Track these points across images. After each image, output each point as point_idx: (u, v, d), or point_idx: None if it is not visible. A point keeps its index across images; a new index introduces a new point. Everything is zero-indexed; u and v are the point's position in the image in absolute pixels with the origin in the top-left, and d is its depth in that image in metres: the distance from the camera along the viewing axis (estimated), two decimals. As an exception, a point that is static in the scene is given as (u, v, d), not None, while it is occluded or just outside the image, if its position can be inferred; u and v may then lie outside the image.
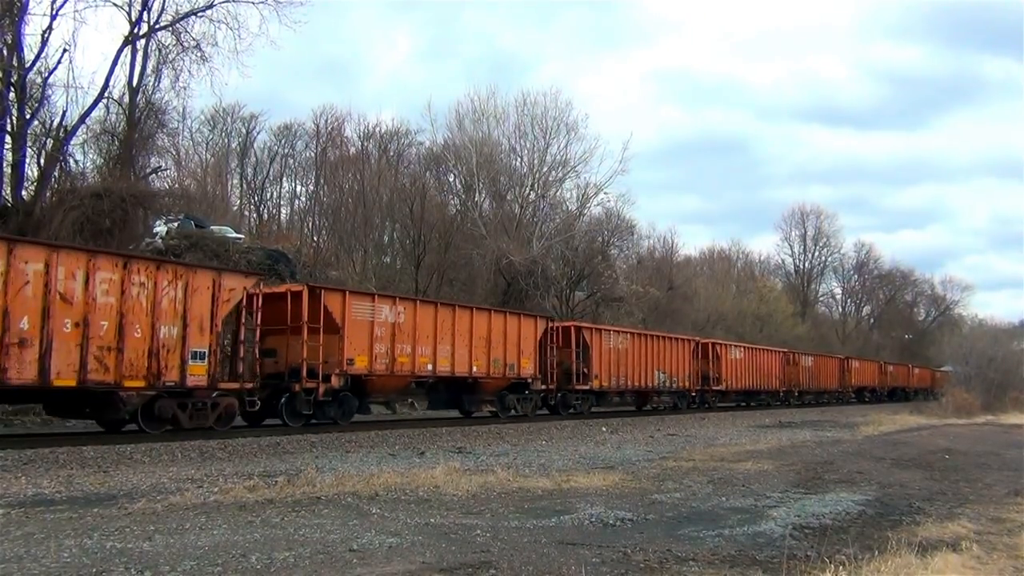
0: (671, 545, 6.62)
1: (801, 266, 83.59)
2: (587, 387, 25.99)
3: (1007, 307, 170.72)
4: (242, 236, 30.12)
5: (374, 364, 18.60)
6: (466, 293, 36.03)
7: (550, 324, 25.15)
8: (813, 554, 6.28)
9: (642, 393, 30.39)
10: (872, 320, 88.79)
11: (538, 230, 42.22)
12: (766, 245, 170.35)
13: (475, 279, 39.33)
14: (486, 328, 21.83)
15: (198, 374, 15.02)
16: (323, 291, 18.06)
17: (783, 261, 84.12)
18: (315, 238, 44.00)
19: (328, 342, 17.53)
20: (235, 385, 16.01)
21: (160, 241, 25.25)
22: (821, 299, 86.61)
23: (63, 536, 6.43)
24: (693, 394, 33.05)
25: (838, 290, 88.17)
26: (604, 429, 21.51)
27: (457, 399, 22.28)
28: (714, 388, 34.21)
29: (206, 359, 15.15)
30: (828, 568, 5.55)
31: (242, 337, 16.07)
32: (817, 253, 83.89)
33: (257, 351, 16.75)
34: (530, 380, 23.56)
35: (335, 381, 17.69)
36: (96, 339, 13.54)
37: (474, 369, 21.35)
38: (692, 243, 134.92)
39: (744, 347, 38.44)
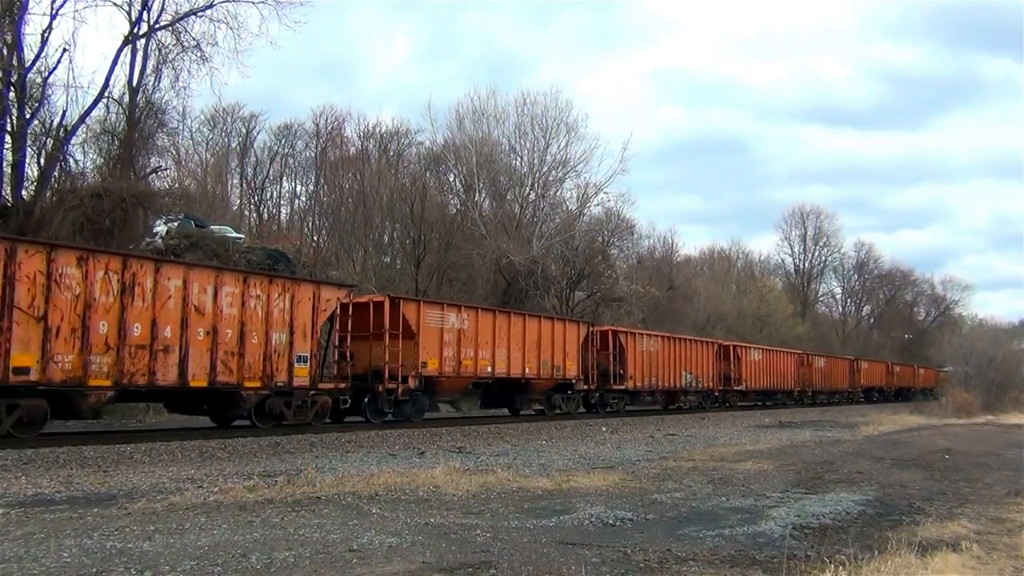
0: (671, 545, 6.62)
1: (801, 266, 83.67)
2: (623, 387, 27.83)
3: (1007, 307, 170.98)
4: (242, 236, 30.07)
5: (443, 367, 20.50)
6: (466, 293, 36.05)
7: (591, 329, 26.85)
8: (813, 554, 6.28)
9: (671, 393, 32.01)
10: (872, 320, 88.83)
11: (538, 230, 42.23)
12: (766, 245, 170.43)
13: (475, 279, 39.34)
14: (536, 333, 23.65)
15: (302, 375, 17.02)
16: (401, 301, 20.13)
17: (783, 261, 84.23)
18: (315, 238, 43.96)
19: (405, 347, 19.42)
20: (331, 385, 18.05)
21: (160, 241, 25.20)
22: (821, 299, 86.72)
23: (63, 536, 6.43)
24: (716, 394, 34.97)
25: (838, 290, 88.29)
26: (604, 429, 21.52)
27: (509, 398, 23.93)
28: (735, 388, 35.91)
29: (308, 362, 17.14)
30: (828, 568, 5.55)
31: (336, 342, 18.17)
32: (817, 253, 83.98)
33: (349, 355, 18.60)
34: (574, 381, 25.27)
35: (411, 382, 19.54)
36: (223, 345, 15.51)
37: (526, 371, 23.21)
38: (692, 243, 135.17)
39: (762, 349, 40.33)
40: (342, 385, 18.22)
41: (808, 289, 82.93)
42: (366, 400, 19.01)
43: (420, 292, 33.01)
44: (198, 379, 15.09)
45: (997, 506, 9.23)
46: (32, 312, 12.91)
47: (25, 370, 12.83)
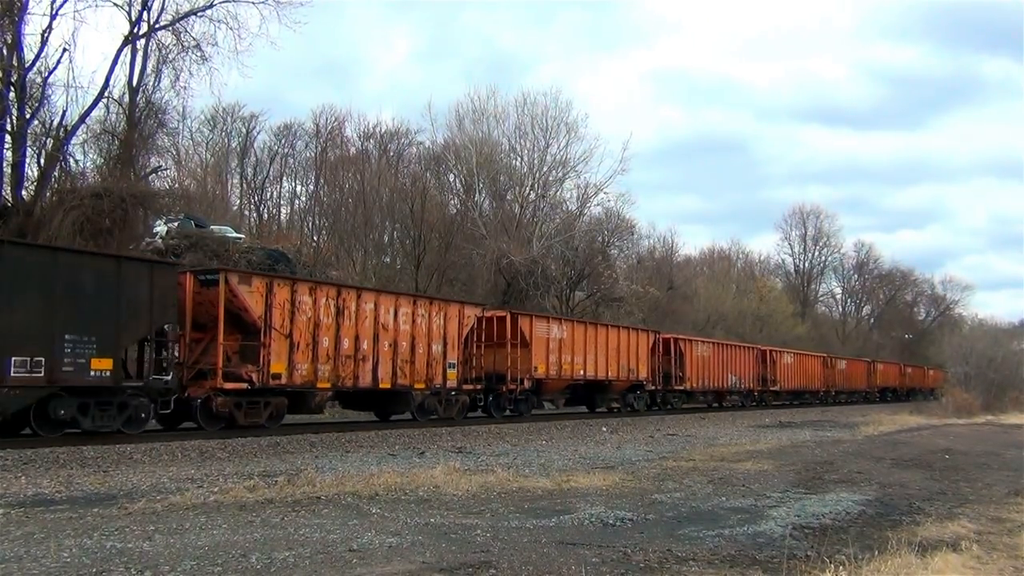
0: (671, 545, 6.62)
1: (801, 266, 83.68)
2: (682, 388, 31.67)
3: (1007, 307, 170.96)
4: (242, 236, 30.09)
5: (549, 371, 24.18)
6: (466, 293, 36.05)
7: (657, 336, 30.39)
8: (813, 554, 6.28)
9: (719, 393, 35.58)
10: (872, 320, 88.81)
11: (538, 230, 42.24)
12: (765, 245, 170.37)
13: (475, 279, 39.35)
14: (616, 341, 27.19)
15: (452, 379, 20.77)
16: (519, 316, 23.90)
17: (783, 261, 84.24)
18: (315, 238, 43.97)
19: (522, 354, 23.00)
20: (471, 387, 21.70)
21: (160, 241, 25.24)
22: (821, 299, 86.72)
23: (63, 536, 6.43)
24: (755, 393, 38.32)
25: (838, 290, 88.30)
26: (604, 429, 21.53)
27: (591, 398, 27.17)
28: (771, 388, 39.33)
29: (456, 368, 20.82)
30: (828, 568, 5.55)
31: (473, 351, 21.63)
32: (817, 253, 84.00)
33: (483, 361, 22.11)
34: (645, 382, 28.84)
35: (526, 383, 23.22)
36: (400, 355, 19.30)
37: (608, 374, 26.68)
38: (692, 243, 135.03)
39: (794, 353, 43.90)
40: (478, 387, 21.92)
41: (808, 289, 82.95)
42: (491, 398, 22.67)
43: (420, 292, 33.04)
44: (384, 382, 18.94)
45: (997, 506, 9.23)
46: (282, 331, 16.60)
47: (278, 376, 16.58)
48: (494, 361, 22.49)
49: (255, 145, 49.90)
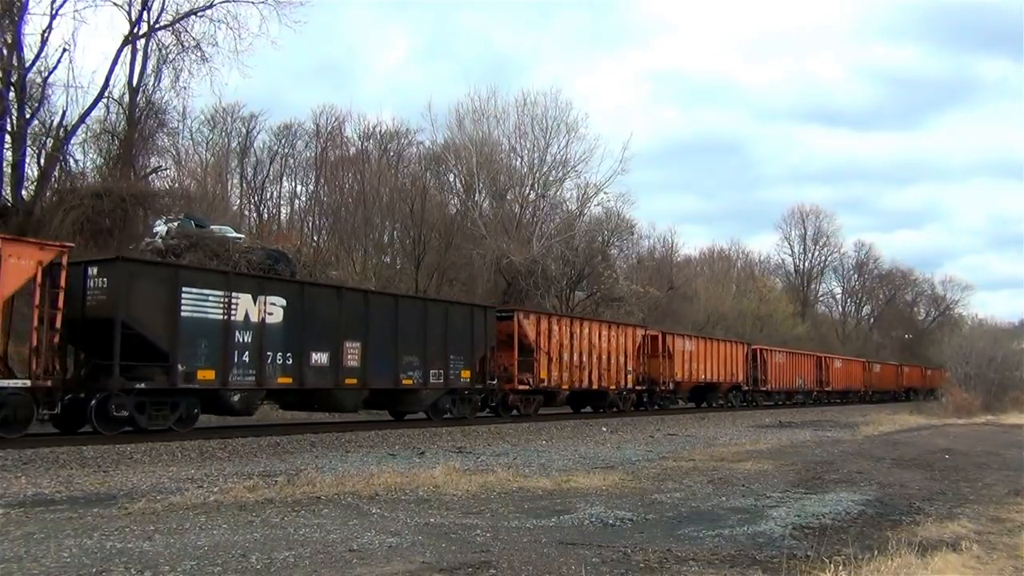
0: (671, 545, 6.62)
1: (801, 266, 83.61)
2: (765, 388, 39.26)
3: (1007, 307, 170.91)
4: (242, 236, 30.04)
5: (684, 376, 31.83)
6: (466, 293, 36.06)
7: (749, 347, 38.25)
8: (813, 554, 6.28)
9: (789, 392, 42.26)
10: (872, 320, 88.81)
11: (538, 230, 42.22)
12: (764, 245, 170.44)
13: (475, 279, 39.35)
14: (724, 351, 35.38)
15: (630, 382, 28.25)
16: (666, 334, 31.48)
17: (783, 261, 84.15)
18: (315, 238, 43.94)
19: (668, 363, 30.82)
20: (640, 387, 29.07)
21: (160, 241, 25.20)
22: (821, 299, 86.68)
23: (63, 536, 6.43)
24: (814, 394, 45.45)
25: (838, 290, 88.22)
26: (604, 429, 21.54)
27: (703, 396, 35.06)
28: (824, 389, 46.63)
29: (632, 373, 28.27)
30: (828, 568, 5.55)
31: (641, 361, 29.01)
32: (817, 253, 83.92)
33: (644, 369, 29.47)
34: (742, 383, 36.63)
35: (670, 385, 31.16)
36: (600, 364, 26.49)
37: (718, 377, 34.58)
38: (691, 243, 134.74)
39: (842, 359, 51.86)
40: (643, 387, 29.30)
41: (808, 289, 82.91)
42: (647, 396, 29.96)
43: (420, 292, 33.08)
44: (595, 385, 26.22)
45: (997, 506, 9.23)
46: (544, 350, 23.90)
47: (543, 380, 23.99)
48: (648, 368, 29.77)
49: (255, 145, 49.86)
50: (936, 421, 29.48)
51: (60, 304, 13.22)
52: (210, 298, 15.09)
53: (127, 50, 25.48)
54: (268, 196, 50.08)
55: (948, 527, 7.55)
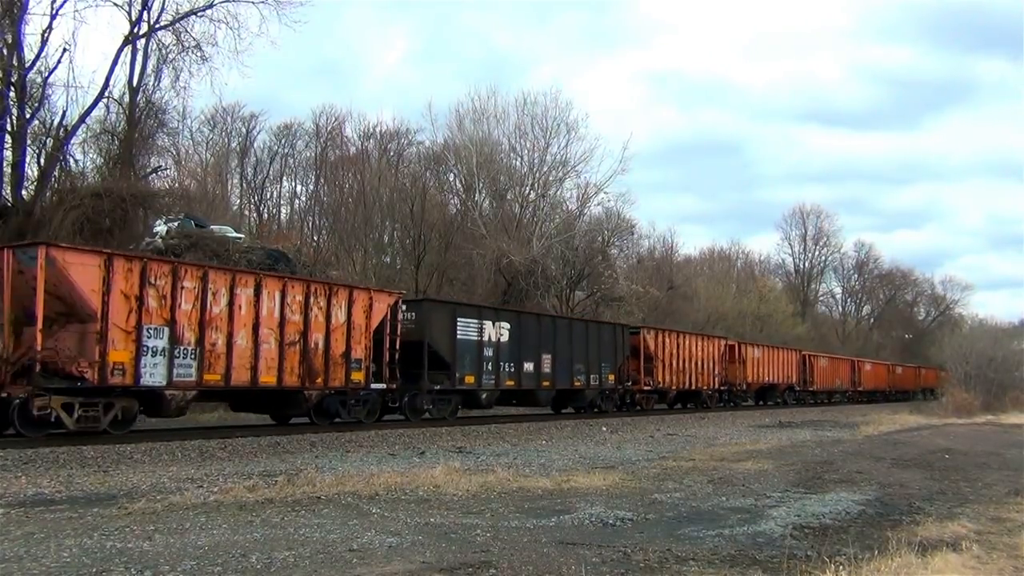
0: (671, 545, 6.62)
1: (801, 266, 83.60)
2: (812, 389, 44.42)
3: (1007, 307, 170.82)
4: (242, 236, 30.01)
5: (754, 378, 37.39)
6: (466, 293, 36.06)
7: (800, 352, 43.95)
8: (813, 554, 6.28)
9: (829, 392, 47.87)
10: (872, 320, 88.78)
11: (538, 230, 42.18)
12: (764, 245, 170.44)
13: (475, 279, 39.33)
14: (783, 356, 41.04)
15: (717, 384, 33.65)
16: (742, 344, 37.40)
17: (783, 261, 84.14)
18: (315, 238, 43.96)
19: (741, 368, 35.97)
20: (722, 388, 34.40)
21: (160, 241, 25.19)
22: (821, 299, 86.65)
23: (63, 536, 6.43)
24: (848, 393, 50.53)
25: (838, 290, 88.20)
26: (604, 429, 21.54)
27: (765, 395, 40.03)
28: (857, 389, 51.65)
29: (718, 376, 33.62)
30: (828, 568, 5.55)
31: (723, 366, 34.10)
32: (817, 253, 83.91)
33: (725, 373, 34.50)
34: (795, 384, 41.92)
35: (743, 386, 36.49)
36: (696, 369, 31.69)
37: (778, 379, 40.00)
38: (691, 243, 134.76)
39: (872, 362, 56.98)
40: (724, 387, 34.47)
41: (808, 289, 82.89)
42: (727, 395, 35.43)
43: (420, 291, 33.09)
44: (693, 386, 31.65)
45: (997, 506, 9.22)
46: (659, 357, 29.43)
47: (660, 381, 29.38)
48: (728, 372, 34.69)
49: (255, 145, 49.90)
50: (936, 421, 29.49)
51: (398, 332, 18.83)
52: (471, 324, 20.97)
53: (127, 50, 25.47)
54: (268, 196, 50.16)
55: (948, 527, 7.55)
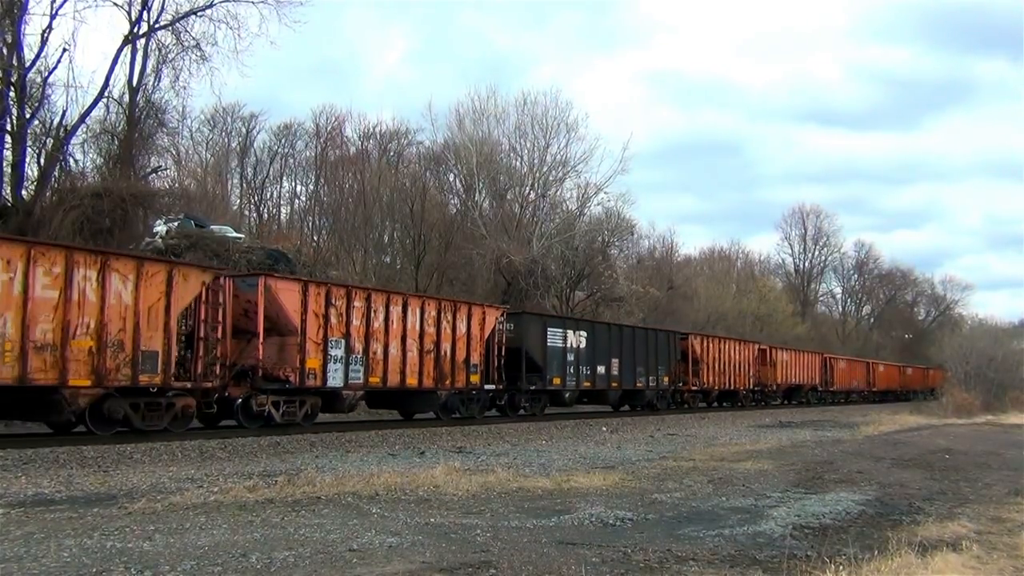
0: (671, 545, 6.62)
1: (801, 266, 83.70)
2: (832, 389, 47.52)
3: (1006, 307, 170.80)
4: (242, 236, 30.05)
5: (783, 379, 40.44)
6: (466, 293, 36.05)
7: (822, 356, 47.19)
8: (813, 554, 6.27)
9: (847, 392, 50.80)
10: (872, 320, 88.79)
11: (538, 230, 42.19)
12: (764, 245, 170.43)
13: (475, 279, 39.34)
14: (808, 359, 44.32)
15: (751, 384, 36.74)
16: (772, 348, 40.50)
17: (783, 261, 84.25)
18: (315, 238, 43.97)
19: (772, 370, 38.88)
20: (756, 388, 37.13)
21: (160, 241, 25.21)
22: (821, 299, 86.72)
23: (63, 536, 6.43)
24: (865, 393, 53.64)
25: (838, 290, 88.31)
26: (604, 429, 21.53)
27: (792, 395, 42.72)
28: (872, 389, 54.52)
29: (753, 377, 36.81)
30: (828, 568, 5.55)
31: (757, 368, 36.92)
32: (817, 253, 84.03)
33: (759, 374, 37.40)
34: (818, 385, 44.85)
35: (774, 386, 39.37)
36: (735, 371, 34.79)
37: (804, 380, 43.09)
38: (691, 243, 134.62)
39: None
40: (758, 388, 37.42)
41: (808, 289, 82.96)
42: (759, 395, 38.42)
43: (420, 291, 33.09)
44: (732, 386, 34.68)
45: (997, 506, 9.22)
46: (704, 361, 32.49)
47: (706, 382, 32.42)
48: (759, 374, 37.62)
49: (255, 145, 49.93)
50: (936, 421, 29.49)
51: (503, 341, 21.93)
52: (557, 333, 24.04)
53: (127, 50, 25.48)
54: (268, 196, 50.20)
55: (948, 527, 7.55)
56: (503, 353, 21.86)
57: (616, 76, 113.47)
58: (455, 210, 43.50)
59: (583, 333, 25.19)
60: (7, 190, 23.45)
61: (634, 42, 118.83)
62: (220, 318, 15.33)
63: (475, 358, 20.79)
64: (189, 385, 14.80)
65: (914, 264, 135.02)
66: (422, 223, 38.35)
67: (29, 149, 24.16)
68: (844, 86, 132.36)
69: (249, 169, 49.39)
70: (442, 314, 19.82)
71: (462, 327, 20.36)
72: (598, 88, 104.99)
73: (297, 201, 50.83)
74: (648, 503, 8.80)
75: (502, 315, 22.20)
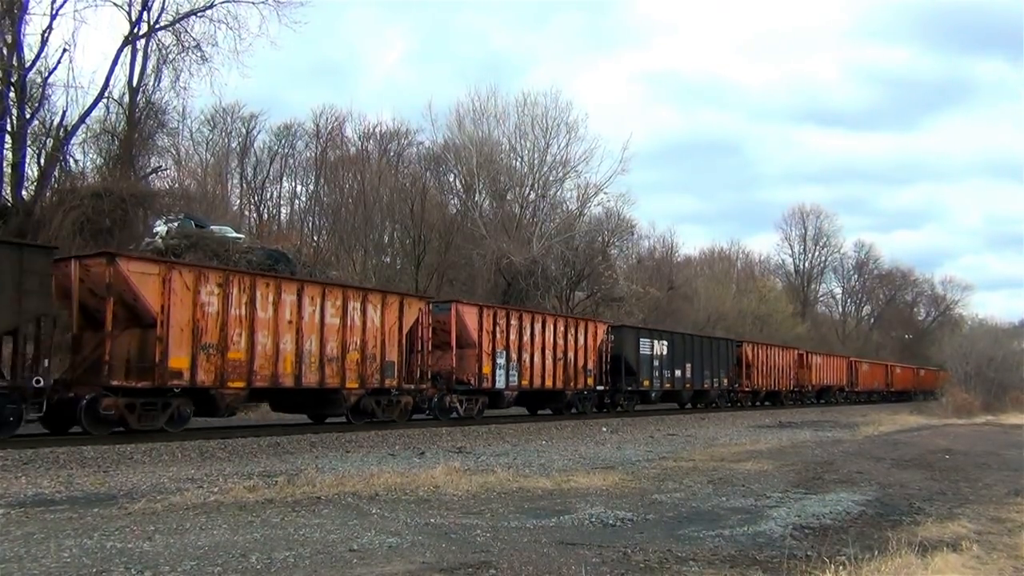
0: (671, 545, 6.62)
1: (801, 266, 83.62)
2: (857, 390, 50.77)
3: (1006, 307, 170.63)
4: (242, 236, 30.02)
5: (816, 381, 43.59)
6: (466, 293, 36.03)
7: (848, 359, 50.98)
8: (813, 554, 6.28)
9: (869, 392, 54.07)
10: (872, 320, 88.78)
11: (538, 230, 42.19)
12: (763, 245, 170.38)
13: (475, 279, 39.33)
14: (837, 362, 48.41)
15: (792, 386, 40.12)
16: (809, 353, 44.48)
17: (783, 261, 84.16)
18: (315, 238, 43.92)
19: (807, 372, 42.44)
20: (795, 389, 39.94)
21: (160, 241, 25.19)
22: (821, 299, 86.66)
23: (63, 536, 6.43)
24: (884, 392, 56.24)
25: (838, 290, 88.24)
26: (604, 429, 21.53)
27: (822, 395, 45.78)
28: (889, 389, 57.45)
29: (793, 379, 40.14)
30: (828, 568, 5.55)
31: (795, 371, 39.92)
32: (817, 253, 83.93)
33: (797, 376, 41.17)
34: (845, 386, 48.23)
35: (809, 387, 42.63)
36: (779, 373, 38.51)
37: (833, 381, 46.60)
38: (691, 243, 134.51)
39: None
40: (796, 389, 40.71)
41: (808, 289, 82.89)
42: (797, 395, 41.76)
43: (420, 292, 33.09)
44: (775, 387, 38.14)
45: (997, 506, 9.23)
46: (755, 365, 36.32)
47: (756, 384, 36.16)
48: (798, 376, 41.27)
49: (255, 145, 49.89)
50: (936, 421, 29.50)
51: (608, 349, 26.09)
52: (646, 342, 28.07)
53: (127, 50, 25.49)
54: (268, 196, 50.14)
55: (948, 527, 7.55)
56: (608, 360, 26.06)
57: (615, 76, 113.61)
58: (455, 210, 43.50)
59: (665, 342, 29.33)
60: (7, 190, 23.45)
61: (633, 42, 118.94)
62: (428, 336, 19.51)
63: (590, 364, 25.03)
64: (412, 387, 18.93)
65: (914, 264, 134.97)
66: (422, 223, 38.34)
67: (29, 149, 24.16)
68: (843, 86, 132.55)
69: (249, 169, 49.39)
70: (568, 329, 24.33)
71: (582, 339, 24.71)
72: (598, 88, 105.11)
73: (297, 201, 50.83)
74: (648, 503, 8.80)
75: (608, 329, 26.76)
